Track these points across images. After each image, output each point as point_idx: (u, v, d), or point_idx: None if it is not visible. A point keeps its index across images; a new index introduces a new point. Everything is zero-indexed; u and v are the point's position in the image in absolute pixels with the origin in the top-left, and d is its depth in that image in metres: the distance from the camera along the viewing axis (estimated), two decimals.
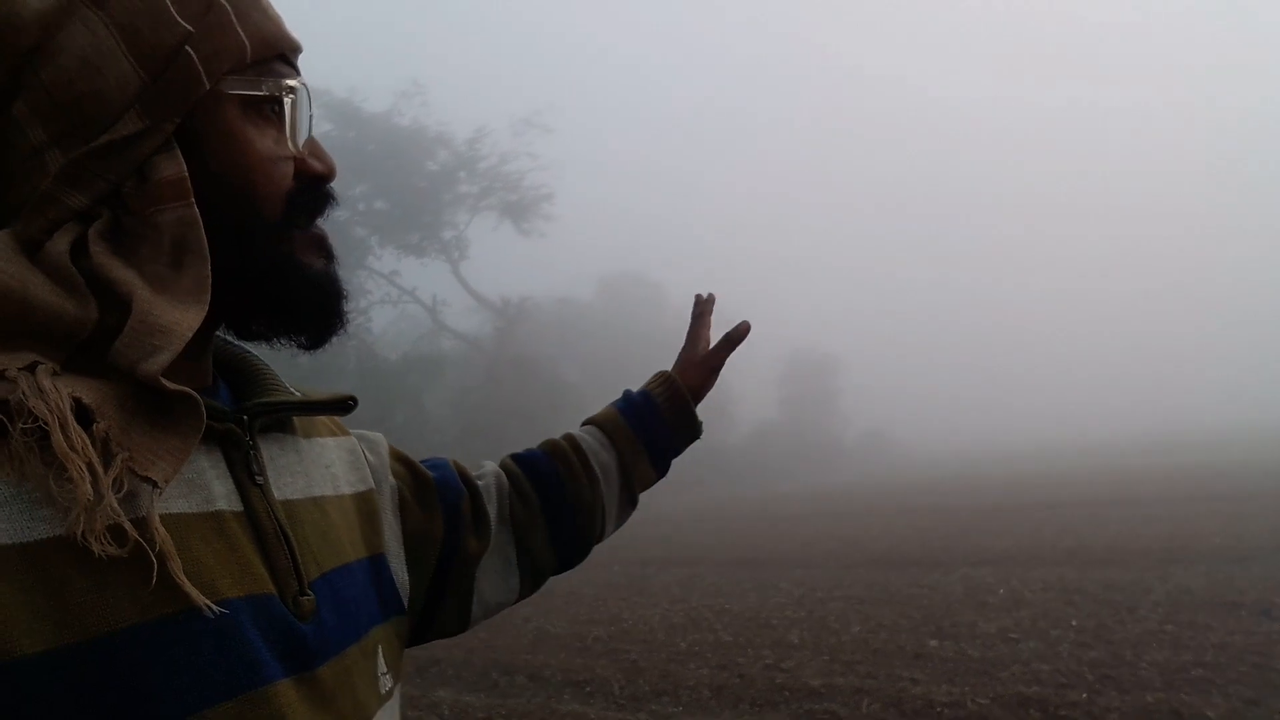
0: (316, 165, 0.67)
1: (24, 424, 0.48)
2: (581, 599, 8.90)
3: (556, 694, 5.41)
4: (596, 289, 45.03)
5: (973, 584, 7.97)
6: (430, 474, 0.92)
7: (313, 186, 0.66)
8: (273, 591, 0.59)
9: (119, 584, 0.50)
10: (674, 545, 13.52)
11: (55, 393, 0.49)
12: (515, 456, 1.05)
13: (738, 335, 1.10)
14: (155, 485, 0.52)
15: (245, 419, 0.65)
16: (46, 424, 0.48)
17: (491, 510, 0.96)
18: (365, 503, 0.79)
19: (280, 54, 0.65)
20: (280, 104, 0.63)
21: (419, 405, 27.72)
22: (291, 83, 0.64)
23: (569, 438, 1.07)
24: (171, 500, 0.55)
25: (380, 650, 0.73)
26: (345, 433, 0.83)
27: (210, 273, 0.58)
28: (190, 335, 0.55)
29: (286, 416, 0.72)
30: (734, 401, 42.70)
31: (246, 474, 0.63)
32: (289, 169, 0.64)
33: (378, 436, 0.89)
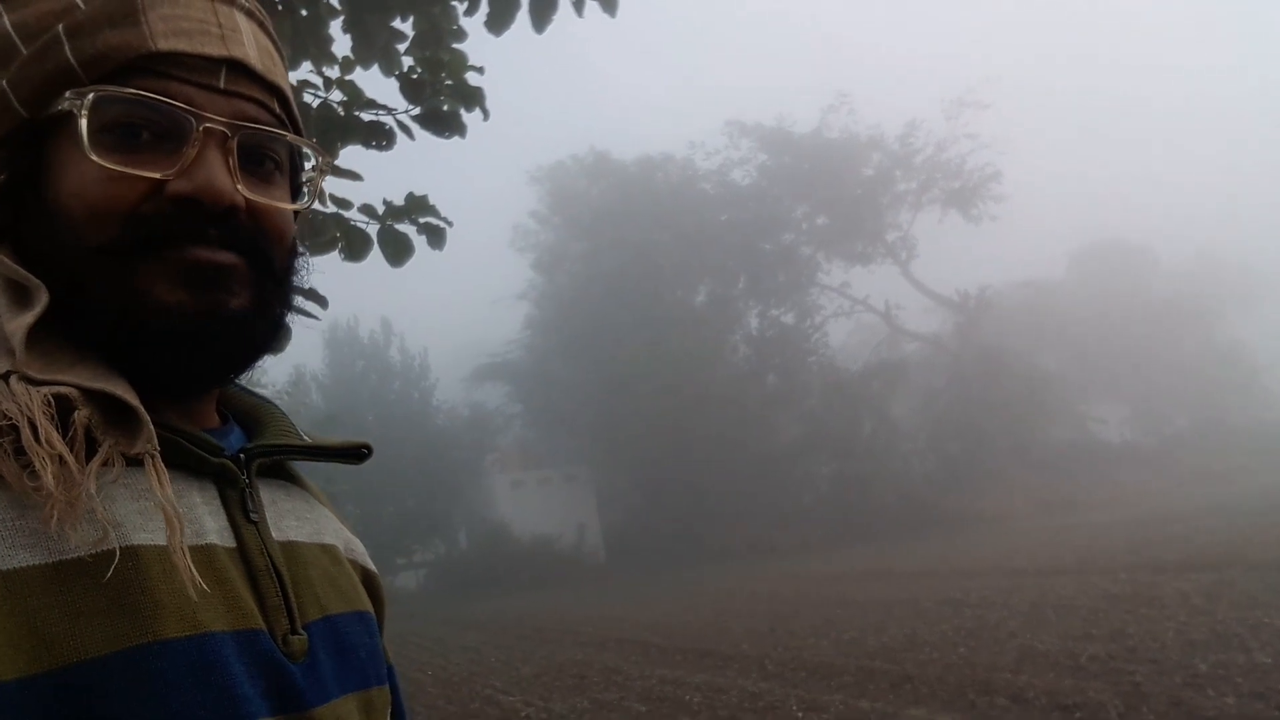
0: (181, 185, 0.58)
1: None
2: (1076, 611, 8.01)
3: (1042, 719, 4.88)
4: (1067, 266, 40.95)
5: None
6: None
7: (181, 209, 0.58)
8: (261, 627, 0.58)
9: (94, 612, 0.50)
10: (1194, 546, 11.58)
11: (26, 395, 0.51)
12: None
13: None
14: (153, 456, 0.54)
15: (241, 457, 0.65)
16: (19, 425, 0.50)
17: None
18: (368, 578, 0.76)
19: (138, 63, 0.58)
20: (125, 120, 0.58)
21: (884, 414, 27.46)
22: (78, 91, 0.57)
23: None
24: (160, 532, 0.55)
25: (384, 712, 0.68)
26: (349, 532, 0.79)
27: None
28: None
29: (295, 470, 0.72)
30: (1262, 370, 35.60)
31: (241, 512, 0.62)
32: (129, 189, 0.58)
33: (374, 571, 0.81)
